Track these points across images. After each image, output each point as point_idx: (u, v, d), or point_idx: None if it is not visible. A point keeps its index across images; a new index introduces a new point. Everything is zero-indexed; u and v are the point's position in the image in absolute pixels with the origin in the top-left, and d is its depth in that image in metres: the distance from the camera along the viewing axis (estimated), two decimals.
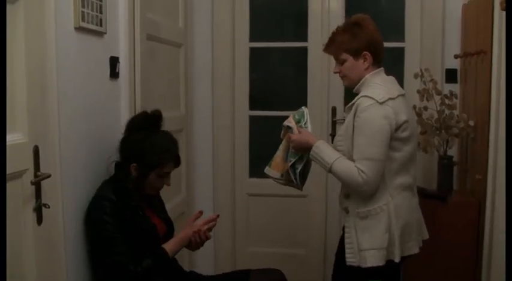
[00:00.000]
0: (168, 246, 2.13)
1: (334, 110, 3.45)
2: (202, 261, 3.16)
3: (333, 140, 3.42)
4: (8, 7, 1.60)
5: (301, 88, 3.51)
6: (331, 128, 3.46)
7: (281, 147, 2.31)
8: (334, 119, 3.46)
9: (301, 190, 2.35)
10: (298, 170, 2.24)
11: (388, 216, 2.08)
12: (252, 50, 3.54)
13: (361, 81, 2.15)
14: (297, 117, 2.26)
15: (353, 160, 2.05)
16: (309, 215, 3.55)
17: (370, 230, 2.08)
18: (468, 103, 3.05)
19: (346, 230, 2.16)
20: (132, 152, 2.12)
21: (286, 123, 2.25)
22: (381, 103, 2.01)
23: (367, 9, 3.45)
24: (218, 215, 2.27)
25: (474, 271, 2.80)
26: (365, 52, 2.12)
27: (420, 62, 3.25)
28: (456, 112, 3.03)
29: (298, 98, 3.52)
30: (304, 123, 2.23)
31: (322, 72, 3.45)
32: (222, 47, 3.47)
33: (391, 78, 2.20)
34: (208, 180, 3.53)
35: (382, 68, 2.19)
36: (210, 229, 2.22)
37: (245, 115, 3.58)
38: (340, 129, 2.20)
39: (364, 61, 2.13)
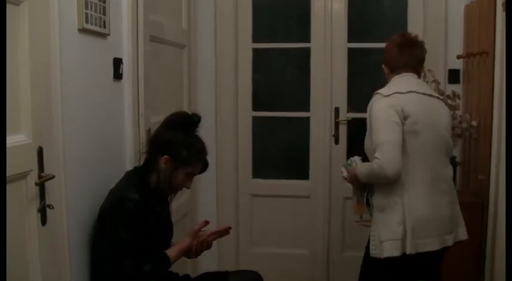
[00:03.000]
0: (172, 253, 2.13)
1: (337, 111, 3.45)
2: (206, 262, 3.16)
3: (335, 140, 3.46)
4: (13, 9, 1.61)
5: (304, 89, 3.51)
6: (334, 129, 3.47)
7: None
8: (337, 120, 3.46)
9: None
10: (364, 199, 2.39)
11: (402, 209, 2.18)
12: (255, 50, 3.55)
13: None
14: (348, 162, 2.49)
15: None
16: (312, 215, 3.55)
17: (387, 222, 2.20)
18: (471, 103, 3.05)
19: (372, 224, 2.29)
20: (168, 145, 2.12)
21: (343, 175, 2.48)
22: (386, 96, 2.22)
23: (370, 10, 3.48)
24: (230, 227, 2.26)
25: (477, 271, 2.80)
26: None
27: None
28: (459, 112, 3.03)
29: (301, 99, 3.53)
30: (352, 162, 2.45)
31: (325, 73, 3.46)
32: (225, 48, 3.48)
33: (406, 78, 2.35)
34: (211, 181, 3.52)
35: (402, 75, 2.35)
36: (215, 239, 2.23)
37: (248, 116, 3.58)
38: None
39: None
